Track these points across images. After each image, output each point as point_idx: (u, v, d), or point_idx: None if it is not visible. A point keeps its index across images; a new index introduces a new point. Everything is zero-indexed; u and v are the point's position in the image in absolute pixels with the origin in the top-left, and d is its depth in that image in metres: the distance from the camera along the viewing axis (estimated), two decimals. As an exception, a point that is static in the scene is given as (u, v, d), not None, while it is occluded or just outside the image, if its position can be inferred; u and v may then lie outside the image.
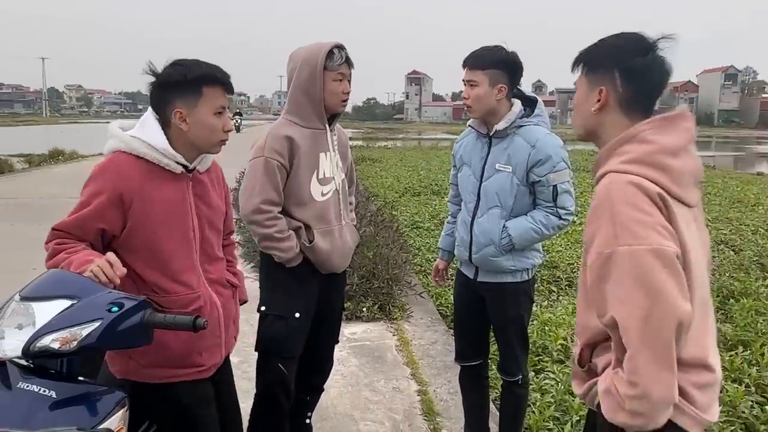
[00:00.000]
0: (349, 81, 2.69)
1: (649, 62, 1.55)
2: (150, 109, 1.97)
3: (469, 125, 2.87)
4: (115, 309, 1.53)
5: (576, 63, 1.66)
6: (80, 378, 1.58)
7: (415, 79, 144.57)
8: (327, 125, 2.71)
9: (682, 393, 1.47)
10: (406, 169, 17.24)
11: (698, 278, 1.50)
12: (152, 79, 1.90)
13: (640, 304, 1.39)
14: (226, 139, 2.01)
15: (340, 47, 2.64)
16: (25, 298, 1.56)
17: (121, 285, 1.72)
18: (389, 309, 5.16)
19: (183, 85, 1.89)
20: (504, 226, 2.69)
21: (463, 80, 2.69)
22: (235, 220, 3.34)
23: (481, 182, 2.75)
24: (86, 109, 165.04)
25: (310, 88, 2.62)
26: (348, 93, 2.69)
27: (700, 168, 1.59)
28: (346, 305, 5.01)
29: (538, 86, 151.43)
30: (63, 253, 1.78)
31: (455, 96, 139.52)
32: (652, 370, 1.39)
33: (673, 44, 1.56)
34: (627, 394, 1.42)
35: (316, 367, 2.96)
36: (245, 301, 2.35)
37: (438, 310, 5.38)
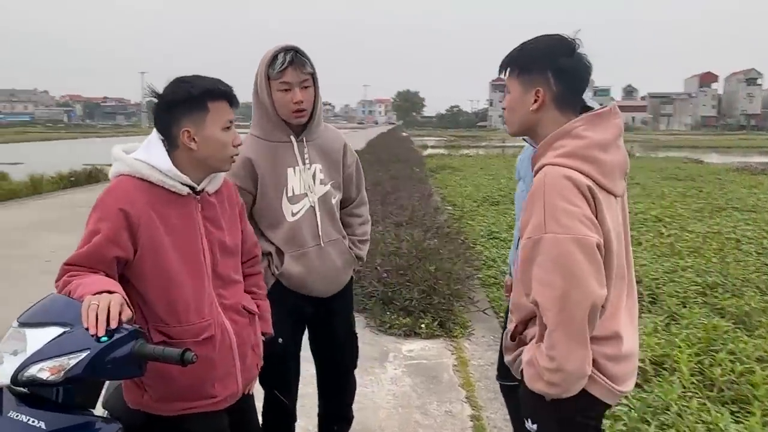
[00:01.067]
0: (306, 87, 2.36)
1: (576, 61, 1.69)
2: (154, 131, 1.91)
3: (524, 138, 2.67)
4: (104, 339, 1.46)
5: (505, 66, 1.77)
6: (77, 407, 1.53)
7: (500, 86, 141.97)
8: (293, 137, 2.45)
9: (596, 365, 1.64)
10: (487, 177, 16.86)
11: (617, 260, 1.66)
12: (154, 101, 1.85)
13: (558, 286, 1.55)
14: (237, 154, 1.94)
15: (287, 50, 2.32)
16: (22, 324, 1.53)
17: None
18: (449, 326, 4.97)
19: (189, 103, 1.81)
20: None
21: None
22: None
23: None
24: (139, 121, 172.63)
25: (261, 101, 2.40)
26: (300, 102, 2.34)
27: (626, 161, 1.75)
28: (404, 321, 4.93)
29: (629, 91, 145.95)
30: (74, 281, 1.67)
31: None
32: (567, 346, 1.55)
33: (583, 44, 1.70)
34: (545, 366, 1.59)
35: (334, 394, 2.84)
36: (269, 334, 2.21)
37: (502, 327, 5.13)
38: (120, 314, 1.50)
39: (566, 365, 1.56)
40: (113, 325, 1.47)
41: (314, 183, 2.48)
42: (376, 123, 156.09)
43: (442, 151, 33.87)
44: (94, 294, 1.54)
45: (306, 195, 2.46)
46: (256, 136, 2.45)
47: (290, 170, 2.44)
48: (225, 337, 1.93)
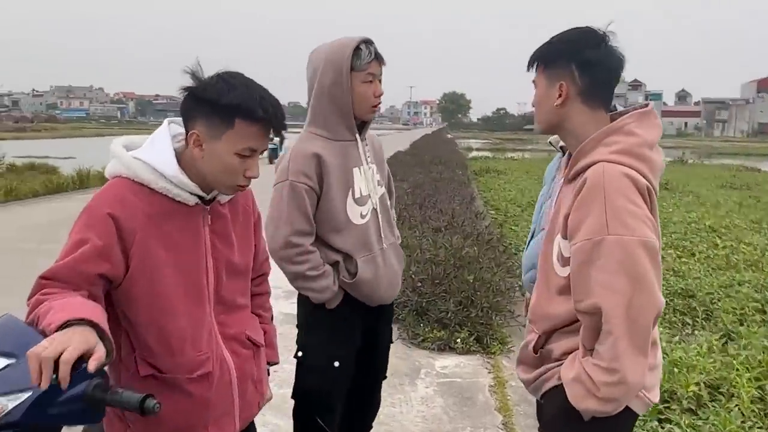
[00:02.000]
0: (380, 81, 2.29)
1: (604, 53, 1.63)
2: (165, 122, 1.64)
3: (549, 142, 2.52)
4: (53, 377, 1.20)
5: (532, 62, 1.71)
6: None
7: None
8: (358, 135, 2.33)
9: None
10: (532, 181, 16.45)
11: None
12: (190, 82, 1.54)
13: (625, 291, 1.47)
14: (246, 185, 1.61)
15: (368, 42, 2.24)
16: None
17: (116, 344, 1.42)
18: (487, 341, 4.64)
19: (214, 107, 1.51)
20: None
21: None
22: None
23: (545, 201, 2.48)
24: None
25: (336, 94, 2.23)
26: (380, 96, 2.29)
27: (663, 162, 1.69)
28: (438, 334, 4.62)
29: (682, 96, 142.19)
30: (46, 302, 1.36)
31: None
32: (631, 356, 1.48)
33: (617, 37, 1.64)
34: (604, 380, 1.50)
35: (358, 408, 2.59)
36: (275, 363, 1.95)
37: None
38: (86, 359, 1.21)
39: (629, 377, 1.49)
40: (63, 384, 1.18)
41: (375, 184, 2.39)
42: (422, 124, 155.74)
43: (486, 153, 33.53)
44: (63, 324, 1.25)
45: (369, 196, 2.35)
46: (317, 135, 2.29)
47: (356, 170, 2.32)
48: (224, 373, 1.65)
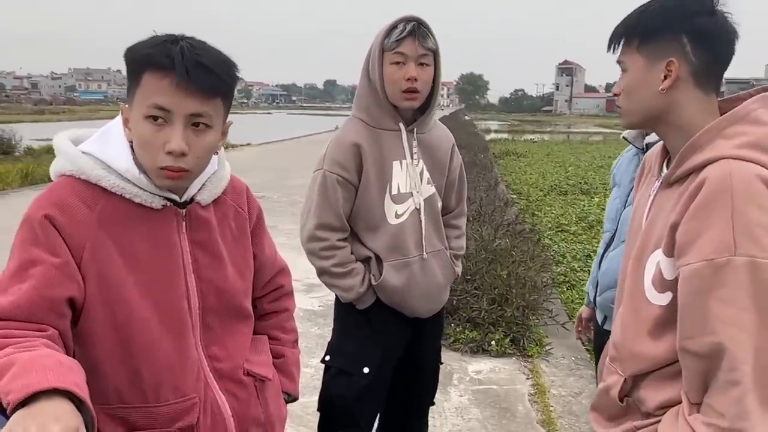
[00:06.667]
0: (424, 66, 1.99)
1: (719, 22, 1.28)
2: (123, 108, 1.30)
3: (624, 137, 2.20)
4: None
5: (619, 37, 1.35)
6: None
7: (567, 69, 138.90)
8: (403, 125, 2.08)
9: None
10: (553, 164, 16.14)
11: None
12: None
13: (758, 333, 1.14)
14: (171, 167, 1.19)
15: (409, 20, 1.96)
16: None
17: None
18: (524, 343, 4.31)
19: (128, 67, 1.20)
20: None
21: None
22: None
23: (624, 207, 2.17)
24: (246, 101, 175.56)
25: (371, 76, 2.04)
26: (413, 79, 1.97)
27: None
28: (471, 335, 4.30)
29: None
30: (8, 348, 1.03)
31: (609, 87, 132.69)
32: (763, 414, 1.14)
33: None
34: None
35: None
36: (295, 399, 1.61)
37: (585, 346, 4.44)
38: None
39: None
40: None
41: (421, 182, 2.12)
42: (440, 106, 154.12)
43: (505, 135, 33.14)
44: (28, 396, 0.91)
45: (411, 195, 2.11)
46: (360, 120, 2.09)
47: (396, 164, 2.08)
48: (217, 424, 1.31)
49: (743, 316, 1.15)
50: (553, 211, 9.43)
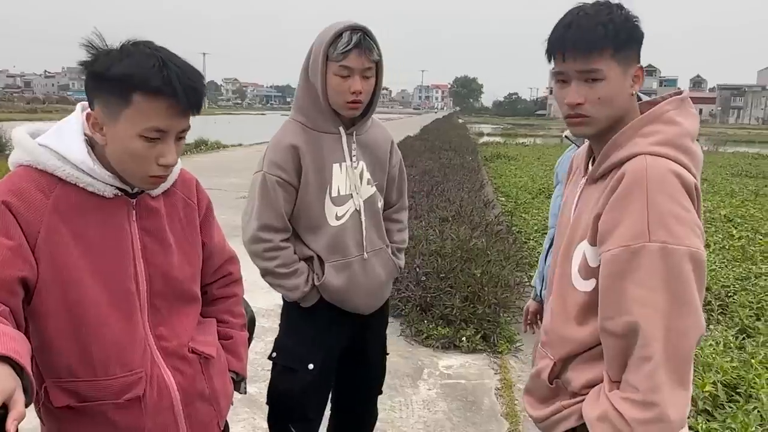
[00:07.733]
0: (367, 78, 2.01)
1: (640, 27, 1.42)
2: (78, 106, 1.40)
3: (566, 137, 2.29)
4: None
5: (595, 47, 1.35)
6: None
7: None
8: (343, 129, 2.11)
9: None
10: (543, 168, 16.23)
11: None
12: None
13: (668, 312, 1.26)
14: (161, 175, 1.34)
15: (355, 30, 1.96)
16: None
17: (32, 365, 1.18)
18: (494, 339, 4.42)
19: (106, 81, 1.26)
20: None
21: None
22: None
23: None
24: (240, 101, 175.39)
25: (311, 82, 2.04)
26: (358, 93, 1.99)
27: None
28: (443, 331, 4.40)
29: (697, 82, 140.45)
30: None
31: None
32: (673, 387, 1.26)
33: None
34: (640, 418, 1.26)
35: (351, 424, 2.42)
36: (242, 377, 1.70)
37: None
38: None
39: (671, 413, 1.25)
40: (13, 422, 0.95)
41: (361, 183, 2.16)
42: (434, 109, 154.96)
43: (498, 139, 33.26)
44: None
45: (351, 196, 2.14)
46: (300, 123, 2.11)
47: (336, 167, 2.11)
48: (163, 396, 1.41)
49: (655, 297, 1.26)
50: (540, 214, 9.55)
